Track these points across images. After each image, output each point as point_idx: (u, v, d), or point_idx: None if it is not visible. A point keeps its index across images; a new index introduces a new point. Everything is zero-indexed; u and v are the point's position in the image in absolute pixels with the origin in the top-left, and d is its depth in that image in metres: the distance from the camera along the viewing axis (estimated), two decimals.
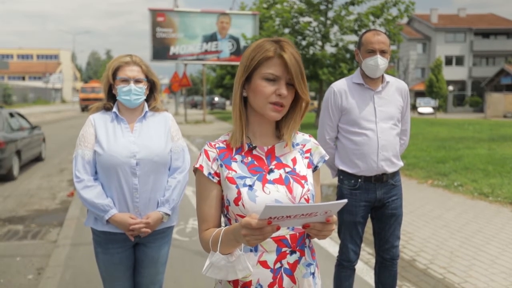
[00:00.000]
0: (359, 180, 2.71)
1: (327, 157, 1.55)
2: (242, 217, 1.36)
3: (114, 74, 2.28)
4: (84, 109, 38.39)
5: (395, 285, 2.93)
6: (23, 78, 71.59)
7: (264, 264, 1.38)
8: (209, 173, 1.43)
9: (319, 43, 19.98)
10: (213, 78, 47.14)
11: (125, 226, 2.21)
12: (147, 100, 2.40)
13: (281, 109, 1.38)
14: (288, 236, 1.39)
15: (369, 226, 2.94)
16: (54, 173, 9.41)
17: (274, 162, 1.45)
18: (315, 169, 1.52)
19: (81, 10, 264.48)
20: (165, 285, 3.29)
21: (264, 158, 1.45)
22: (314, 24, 19.79)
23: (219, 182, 1.43)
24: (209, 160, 1.44)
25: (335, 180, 2.98)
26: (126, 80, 2.26)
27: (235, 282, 1.41)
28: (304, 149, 1.52)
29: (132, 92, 2.25)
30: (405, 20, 32.10)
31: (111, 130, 2.27)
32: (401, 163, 2.80)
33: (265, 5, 21.37)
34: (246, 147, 1.44)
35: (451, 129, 19.32)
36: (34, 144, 10.11)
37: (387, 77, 2.75)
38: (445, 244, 4.68)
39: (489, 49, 47.70)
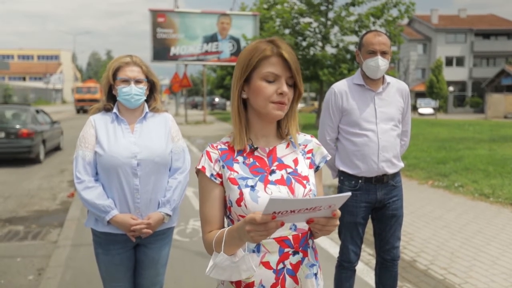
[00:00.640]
0: (360, 181, 2.71)
1: (329, 157, 1.56)
2: (244, 217, 1.37)
3: (114, 75, 2.28)
4: (80, 110, 36.94)
5: (395, 286, 2.93)
6: (24, 79, 71.61)
7: (266, 265, 1.38)
8: (211, 174, 1.43)
9: (320, 43, 19.98)
10: (214, 78, 47.21)
11: (126, 227, 2.21)
12: (147, 100, 2.40)
13: (284, 107, 1.39)
14: (290, 237, 1.40)
15: (369, 227, 2.93)
16: (54, 174, 9.41)
17: (276, 163, 1.45)
18: (317, 169, 1.53)
19: (81, 10, 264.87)
20: (165, 285, 3.28)
21: (265, 159, 1.45)
22: (315, 24, 19.79)
23: (221, 183, 1.43)
24: (211, 161, 1.44)
25: (335, 181, 2.98)
26: (126, 81, 2.25)
27: (238, 283, 1.41)
28: (306, 150, 1.52)
29: (133, 93, 2.25)
30: (405, 21, 32.07)
31: (111, 131, 2.27)
32: (401, 164, 2.80)
33: (265, 6, 21.38)
34: (247, 148, 1.45)
35: (452, 129, 19.32)
36: (55, 135, 12.31)
37: (388, 78, 2.74)
38: (445, 245, 4.67)
39: (489, 50, 47.69)
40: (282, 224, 1.17)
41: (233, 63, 25.05)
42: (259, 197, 1.36)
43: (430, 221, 5.57)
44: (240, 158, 1.44)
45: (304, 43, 19.92)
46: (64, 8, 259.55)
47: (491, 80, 42.46)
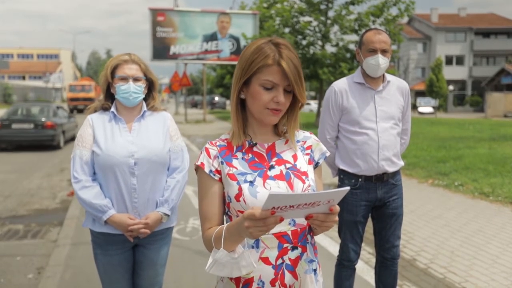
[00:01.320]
0: (360, 179, 2.71)
1: (328, 154, 1.56)
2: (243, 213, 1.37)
3: (113, 73, 2.27)
4: (73, 110, 34.42)
5: (395, 285, 2.93)
6: (24, 78, 71.59)
7: (265, 260, 1.38)
8: (210, 171, 1.43)
9: (319, 42, 19.97)
10: (213, 77, 47.20)
11: (124, 227, 2.19)
12: (145, 99, 2.38)
13: (278, 113, 1.40)
14: (289, 232, 1.40)
15: (369, 226, 2.93)
16: (54, 173, 9.41)
17: (275, 159, 1.46)
18: (316, 165, 1.53)
19: (81, 9, 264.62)
20: (165, 284, 3.28)
21: (264, 154, 1.46)
22: (315, 23, 19.78)
23: (220, 180, 1.44)
24: (210, 157, 1.45)
25: (335, 180, 2.98)
26: (124, 79, 2.24)
27: (237, 279, 1.41)
28: (305, 146, 1.53)
29: (131, 91, 2.23)
30: (405, 19, 32.03)
31: (109, 130, 2.25)
32: (401, 163, 2.80)
33: (265, 5, 21.36)
34: (246, 144, 1.46)
35: (452, 128, 19.32)
36: (71, 128, 14.74)
37: (388, 77, 2.74)
38: (445, 244, 4.67)
39: (489, 49, 47.70)
40: (282, 220, 1.17)
41: (233, 62, 25.15)
42: (258, 192, 1.37)
43: (430, 220, 5.57)
44: (239, 154, 1.45)
45: (304, 42, 19.91)
46: (64, 7, 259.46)
47: (491, 79, 42.45)
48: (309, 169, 1.48)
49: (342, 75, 17.70)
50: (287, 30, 19.95)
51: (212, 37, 24.32)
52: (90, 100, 33.18)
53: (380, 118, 2.67)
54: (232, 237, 1.29)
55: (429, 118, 31.18)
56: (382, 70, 2.62)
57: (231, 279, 1.42)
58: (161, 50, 23.88)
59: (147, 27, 24.71)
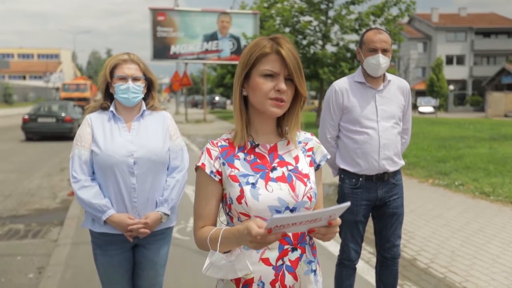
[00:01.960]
0: (360, 179, 2.71)
1: (329, 156, 1.56)
2: (245, 215, 1.37)
3: (112, 73, 2.26)
4: None
5: (396, 284, 2.93)
6: (24, 78, 71.60)
7: (266, 261, 1.38)
8: (211, 172, 1.43)
9: (320, 42, 19.96)
10: (214, 77, 47.19)
11: (123, 227, 2.18)
12: (145, 99, 2.38)
13: (282, 105, 1.38)
14: (290, 234, 1.40)
15: (370, 225, 2.93)
16: (54, 173, 9.41)
17: (277, 160, 1.45)
18: (317, 167, 1.52)
19: (82, 9, 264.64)
20: (166, 284, 3.28)
21: (267, 156, 1.45)
22: (315, 23, 19.76)
23: (220, 181, 1.43)
24: (211, 158, 1.44)
25: (336, 179, 2.97)
26: (124, 78, 2.23)
27: (237, 280, 1.41)
28: (306, 147, 1.52)
29: (130, 90, 2.22)
30: (406, 19, 32.00)
31: (108, 130, 2.24)
32: (402, 162, 2.79)
33: (265, 4, 21.35)
34: (248, 145, 1.45)
35: (452, 128, 19.31)
36: None
37: (389, 76, 2.74)
38: (446, 243, 4.67)
39: (490, 48, 47.66)
40: (284, 234, 1.19)
41: (233, 62, 25.15)
42: (260, 194, 1.36)
43: (430, 219, 5.57)
44: (241, 155, 1.44)
45: (304, 42, 19.89)
46: (64, 7, 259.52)
47: (491, 79, 42.42)
48: (311, 172, 1.48)
49: (343, 74, 17.69)
50: (287, 29, 19.94)
51: (212, 37, 24.30)
52: (85, 100, 31.38)
53: (381, 118, 2.66)
54: (229, 243, 1.30)
55: (430, 117, 31.16)
56: (383, 69, 2.62)
57: (231, 279, 1.42)
58: (161, 49, 23.87)
59: (147, 27, 24.75)
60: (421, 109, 38.70)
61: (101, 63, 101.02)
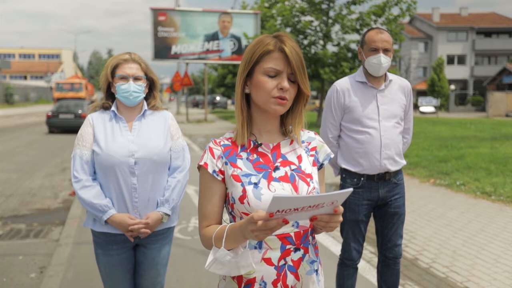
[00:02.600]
0: (362, 178, 2.71)
1: (332, 155, 1.55)
2: (247, 215, 1.36)
3: (113, 72, 2.26)
4: None
5: (397, 284, 2.93)
6: (25, 78, 71.69)
7: (268, 261, 1.38)
8: (214, 171, 1.42)
9: (321, 42, 19.95)
10: (215, 77, 47.12)
11: (124, 227, 2.18)
12: (146, 98, 2.38)
13: (284, 103, 1.37)
14: (292, 234, 1.39)
15: (371, 225, 2.93)
16: (56, 172, 9.42)
17: (280, 160, 1.44)
18: (320, 167, 1.52)
19: (83, 9, 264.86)
20: (168, 284, 3.28)
21: (269, 155, 1.44)
22: (316, 23, 19.77)
23: (223, 180, 1.43)
24: (214, 157, 1.43)
25: (337, 179, 2.97)
26: (124, 78, 2.23)
27: (239, 279, 1.41)
28: (310, 147, 1.51)
29: (131, 90, 2.22)
30: (407, 19, 32.03)
31: (109, 129, 2.24)
32: (404, 162, 2.79)
33: (266, 4, 21.36)
34: (251, 144, 1.44)
35: (453, 128, 19.29)
36: None
37: (390, 76, 2.74)
38: (447, 243, 4.67)
39: (491, 48, 47.58)
40: (286, 222, 1.16)
41: (234, 62, 25.15)
42: (262, 194, 1.36)
43: (432, 219, 5.57)
44: (243, 154, 1.43)
45: (305, 42, 19.90)
46: (65, 7, 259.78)
47: (492, 79, 42.37)
48: (314, 171, 1.47)
49: (344, 74, 17.70)
50: (288, 29, 19.94)
51: (213, 37, 24.30)
52: (81, 100, 30.27)
53: (383, 117, 2.66)
54: (235, 237, 1.28)
55: (431, 117, 31.13)
56: (384, 69, 2.62)
57: (233, 278, 1.42)
58: (162, 49, 23.88)
59: (148, 27, 24.81)
60: (422, 109, 38.66)
61: (102, 63, 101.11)
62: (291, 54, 1.34)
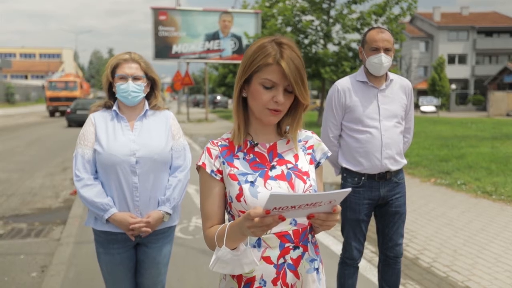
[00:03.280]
0: (363, 178, 2.71)
1: (329, 154, 1.56)
2: (245, 213, 1.37)
3: (113, 72, 2.27)
4: (54, 112, 28.59)
5: (398, 283, 2.93)
6: (26, 77, 71.75)
7: (267, 259, 1.39)
8: (212, 171, 1.44)
9: (322, 41, 19.95)
10: (215, 76, 47.17)
11: (125, 226, 2.19)
12: (148, 98, 2.39)
13: (278, 114, 1.38)
14: (291, 232, 1.40)
15: (372, 225, 2.93)
16: (57, 172, 9.43)
17: (276, 159, 1.45)
18: (317, 165, 1.53)
19: (83, 9, 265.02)
20: (169, 283, 3.29)
21: (266, 154, 1.46)
22: (316, 22, 19.75)
23: (222, 180, 1.44)
24: (212, 157, 1.45)
25: (338, 178, 2.98)
26: (124, 78, 2.24)
27: (239, 278, 1.42)
28: (307, 146, 1.52)
29: (130, 90, 2.23)
30: (407, 18, 31.99)
31: (111, 129, 2.25)
32: (404, 161, 2.80)
33: (267, 4, 21.35)
34: (248, 144, 1.45)
35: (454, 127, 19.28)
36: None
37: (391, 75, 2.74)
38: (448, 243, 4.67)
39: (492, 48, 47.54)
40: (283, 219, 1.16)
41: (235, 61, 25.15)
42: (259, 192, 1.37)
43: (432, 218, 5.57)
44: (240, 154, 1.45)
45: (306, 41, 19.89)
46: (66, 7, 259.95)
47: (493, 78, 42.33)
48: (311, 169, 1.48)
49: (344, 74, 17.69)
50: (289, 29, 19.94)
51: (214, 36, 24.31)
52: (75, 99, 27.10)
53: (383, 117, 2.67)
54: (234, 235, 1.29)
55: (432, 117, 31.11)
56: (385, 68, 2.62)
57: (233, 277, 1.43)
58: (163, 49, 23.89)
59: (149, 27, 24.82)
60: (423, 108, 38.63)
61: (103, 63, 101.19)
62: (289, 68, 1.33)
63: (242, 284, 1.41)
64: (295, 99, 1.41)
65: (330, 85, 3.18)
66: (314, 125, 17.67)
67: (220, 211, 1.44)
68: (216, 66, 40.02)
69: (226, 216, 1.49)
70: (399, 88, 2.74)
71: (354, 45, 19.50)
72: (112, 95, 2.34)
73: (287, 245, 1.40)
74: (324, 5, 19.60)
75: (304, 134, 1.55)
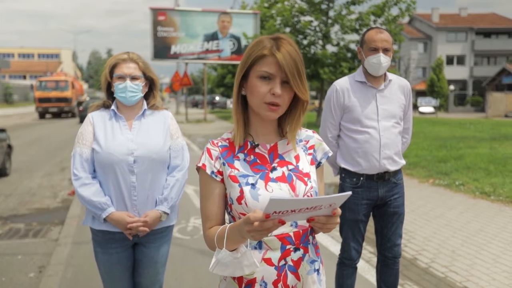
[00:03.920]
0: (361, 178, 2.71)
1: (330, 153, 1.54)
2: (245, 215, 1.36)
3: (112, 72, 2.28)
4: (44, 114, 27.06)
5: (397, 284, 2.93)
6: (24, 77, 71.64)
7: (268, 261, 1.38)
8: (212, 172, 1.42)
9: (320, 42, 19.96)
10: (214, 77, 47.14)
11: (123, 225, 2.19)
12: (146, 98, 2.39)
13: (276, 109, 1.36)
14: (291, 234, 1.39)
15: (370, 225, 2.93)
16: (55, 172, 9.41)
17: (277, 160, 1.44)
18: (318, 165, 1.52)
19: (82, 9, 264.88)
20: (167, 283, 3.28)
21: (266, 156, 1.44)
22: (315, 23, 19.77)
23: (222, 181, 1.43)
24: (212, 158, 1.43)
25: (336, 179, 2.97)
26: (122, 77, 2.24)
27: (240, 280, 1.41)
28: (308, 145, 1.51)
29: (128, 89, 2.24)
30: (406, 19, 32.05)
31: (109, 128, 2.26)
32: (403, 162, 2.79)
33: (266, 4, 21.36)
34: (248, 145, 1.44)
35: (453, 128, 19.31)
36: None
37: (390, 75, 2.74)
38: (446, 243, 4.67)
39: (490, 49, 47.62)
40: (283, 223, 1.16)
41: (234, 62, 25.14)
42: (260, 195, 1.36)
43: (431, 219, 5.57)
44: (241, 155, 1.43)
45: (305, 42, 19.91)
46: (65, 7, 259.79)
47: (492, 79, 42.39)
48: (312, 170, 1.47)
49: (343, 74, 17.69)
50: (287, 29, 19.95)
51: (213, 37, 24.30)
52: (66, 101, 26.88)
53: (382, 117, 2.67)
54: (234, 237, 1.28)
55: (430, 118, 31.15)
56: (384, 69, 2.62)
57: (234, 278, 1.42)
58: (162, 49, 23.87)
59: (148, 27, 24.72)
60: (421, 109, 38.68)
61: (102, 63, 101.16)
62: (284, 60, 1.31)
63: (243, 285, 1.40)
64: (295, 96, 1.39)
65: (329, 86, 3.19)
66: (313, 126, 17.67)
67: (220, 212, 1.43)
68: (214, 67, 39.97)
69: (227, 217, 1.49)
70: (397, 88, 2.74)
71: (352, 46, 19.52)
72: (110, 95, 2.35)
73: (288, 247, 1.39)
74: (323, 6, 19.62)
75: (305, 133, 1.53)
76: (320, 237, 4.69)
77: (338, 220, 1.23)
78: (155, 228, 2.30)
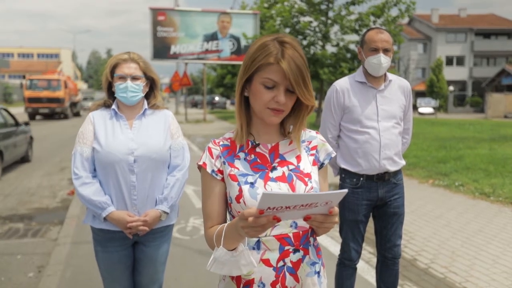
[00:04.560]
0: (361, 178, 2.70)
1: (333, 154, 1.53)
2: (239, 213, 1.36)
3: (113, 72, 2.29)
4: (33, 115, 25.07)
5: (396, 284, 2.93)
6: (24, 77, 71.53)
7: (266, 262, 1.37)
8: (213, 170, 1.42)
9: (320, 42, 19.96)
10: (214, 77, 47.14)
11: (123, 224, 2.20)
12: (147, 97, 2.39)
13: (279, 113, 1.35)
14: (291, 235, 1.38)
15: (369, 226, 2.93)
16: (54, 172, 9.41)
17: (278, 160, 1.43)
18: (321, 166, 1.51)
19: (82, 9, 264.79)
20: (166, 283, 3.28)
21: (267, 155, 1.44)
22: (315, 23, 19.77)
23: (222, 179, 1.43)
24: (212, 157, 1.43)
25: (336, 179, 2.97)
26: (123, 77, 2.25)
27: (238, 280, 1.40)
28: (310, 146, 1.50)
29: (129, 89, 2.24)
30: (406, 20, 32.03)
31: (110, 127, 2.26)
32: (403, 162, 2.79)
33: (266, 5, 21.35)
34: (249, 145, 1.44)
35: (452, 129, 19.32)
36: None
37: (390, 76, 2.74)
38: (446, 244, 4.67)
39: (490, 49, 47.67)
40: (278, 220, 1.13)
41: (233, 62, 25.15)
42: (259, 194, 1.35)
43: (430, 220, 5.57)
44: (241, 155, 1.43)
45: (305, 42, 19.89)
46: (65, 7, 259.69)
47: (491, 80, 42.44)
48: (313, 170, 1.46)
49: (343, 75, 17.69)
50: (287, 30, 19.93)
51: (212, 37, 24.29)
52: (58, 101, 25.03)
53: (382, 117, 2.66)
54: (231, 236, 1.27)
55: (430, 118, 31.17)
56: (384, 69, 2.61)
57: (232, 279, 1.41)
58: (161, 49, 23.86)
59: (147, 27, 24.71)
60: (421, 110, 38.72)
61: (101, 63, 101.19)
62: (289, 68, 1.29)
63: (241, 286, 1.40)
64: (299, 99, 1.38)
65: (328, 86, 3.18)
66: (313, 126, 17.64)
67: (221, 211, 1.43)
68: (214, 67, 39.96)
69: (228, 216, 1.48)
70: (397, 88, 2.74)
71: (352, 47, 19.52)
72: (111, 94, 2.36)
73: (286, 248, 1.38)
74: (323, 6, 19.61)
75: (308, 134, 1.52)
76: (320, 237, 4.69)
77: (336, 219, 1.21)
78: (155, 227, 2.31)
